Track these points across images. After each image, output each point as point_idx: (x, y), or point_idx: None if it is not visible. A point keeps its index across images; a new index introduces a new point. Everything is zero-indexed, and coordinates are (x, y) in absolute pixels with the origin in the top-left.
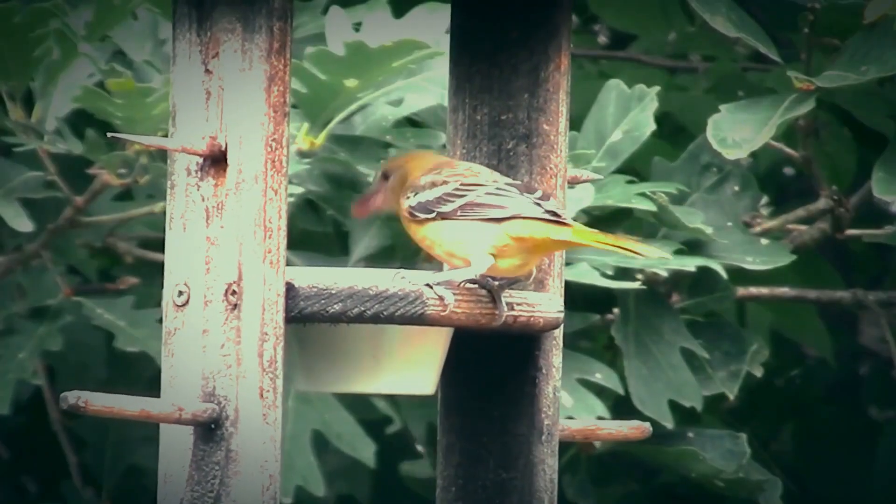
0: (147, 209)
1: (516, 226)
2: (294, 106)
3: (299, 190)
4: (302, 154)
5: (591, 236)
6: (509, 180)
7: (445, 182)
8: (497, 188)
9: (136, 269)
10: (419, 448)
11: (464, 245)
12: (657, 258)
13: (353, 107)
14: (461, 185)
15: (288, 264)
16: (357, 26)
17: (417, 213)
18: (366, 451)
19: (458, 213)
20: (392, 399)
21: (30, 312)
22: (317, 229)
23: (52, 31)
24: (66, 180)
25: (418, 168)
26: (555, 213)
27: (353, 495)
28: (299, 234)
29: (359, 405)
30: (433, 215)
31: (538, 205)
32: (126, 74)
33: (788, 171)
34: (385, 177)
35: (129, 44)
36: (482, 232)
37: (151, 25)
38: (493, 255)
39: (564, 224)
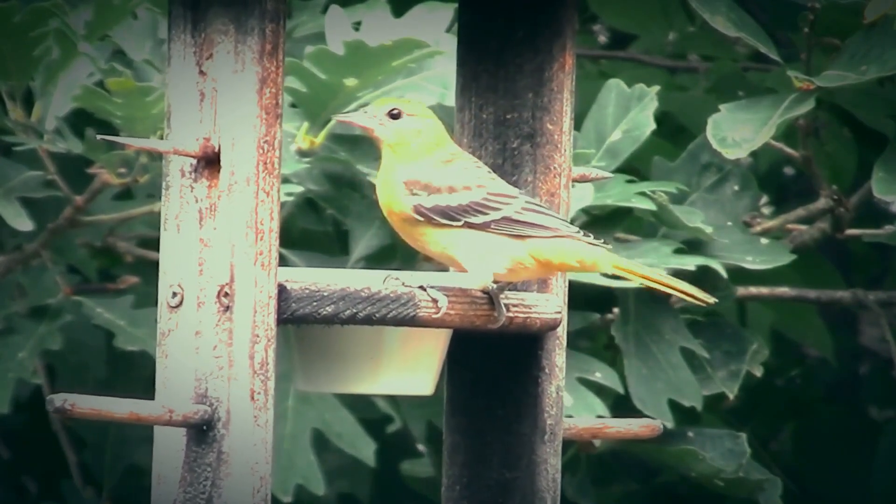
0: (147, 208)
1: (548, 245)
2: (294, 105)
3: (299, 189)
4: (302, 153)
5: (625, 269)
6: (528, 197)
7: (468, 188)
8: (528, 202)
9: (136, 269)
10: (420, 447)
11: (475, 259)
12: (703, 300)
13: (353, 106)
14: (489, 194)
15: (288, 264)
16: (357, 25)
17: (435, 217)
18: (366, 449)
19: (493, 227)
20: (392, 398)
21: (30, 312)
22: (317, 229)
23: (52, 30)
24: (65, 180)
25: (428, 151)
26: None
27: (353, 494)
28: (299, 234)
29: (359, 404)
30: (460, 223)
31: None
32: (126, 74)
33: (788, 171)
34: (394, 117)
35: (129, 43)
36: (505, 249)
37: (151, 25)
38: (500, 274)
39: (598, 247)
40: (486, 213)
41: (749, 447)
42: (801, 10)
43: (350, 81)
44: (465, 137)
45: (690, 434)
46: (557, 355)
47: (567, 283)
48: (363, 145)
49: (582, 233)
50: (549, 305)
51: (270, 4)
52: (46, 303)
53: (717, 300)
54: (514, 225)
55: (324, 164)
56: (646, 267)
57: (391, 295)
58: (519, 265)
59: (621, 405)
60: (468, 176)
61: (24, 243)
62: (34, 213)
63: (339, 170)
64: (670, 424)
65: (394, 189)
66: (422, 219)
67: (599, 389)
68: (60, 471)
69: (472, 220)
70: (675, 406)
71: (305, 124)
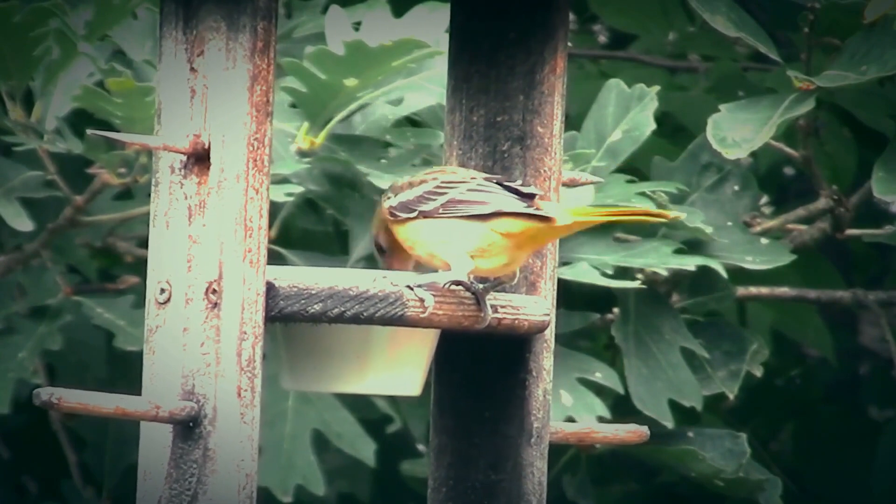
0: (147, 208)
1: (502, 223)
2: (294, 105)
3: (299, 189)
4: (302, 153)
5: (585, 214)
6: (488, 175)
7: (424, 181)
8: (478, 184)
9: (136, 269)
10: (420, 447)
11: (445, 247)
12: (673, 217)
13: (353, 106)
14: (441, 182)
15: (288, 264)
16: (357, 25)
17: (398, 213)
18: (366, 450)
19: (440, 211)
20: (392, 398)
21: (30, 312)
22: (317, 229)
23: (52, 30)
24: (65, 180)
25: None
26: (536, 206)
27: (353, 494)
28: (299, 234)
29: (359, 404)
30: (415, 214)
31: (519, 195)
32: (126, 74)
33: (788, 170)
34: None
35: (129, 43)
36: (466, 231)
37: (151, 25)
38: (475, 256)
39: (546, 218)
40: (434, 200)
41: (749, 447)
42: (801, 10)
43: (350, 81)
44: (455, 139)
45: (690, 434)
46: (545, 358)
47: (556, 286)
48: (363, 145)
49: (534, 205)
50: (538, 308)
51: (262, 2)
52: (46, 303)
53: (679, 215)
54: (457, 206)
55: (324, 164)
56: (603, 206)
57: (379, 294)
58: (489, 244)
59: (621, 405)
60: (427, 172)
61: (24, 243)
62: (34, 213)
63: (339, 170)
64: (669, 424)
65: (382, 205)
66: (392, 218)
67: (599, 389)
68: (60, 471)
69: (423, 207)
70: (675, 406)
71: (305, 124)
